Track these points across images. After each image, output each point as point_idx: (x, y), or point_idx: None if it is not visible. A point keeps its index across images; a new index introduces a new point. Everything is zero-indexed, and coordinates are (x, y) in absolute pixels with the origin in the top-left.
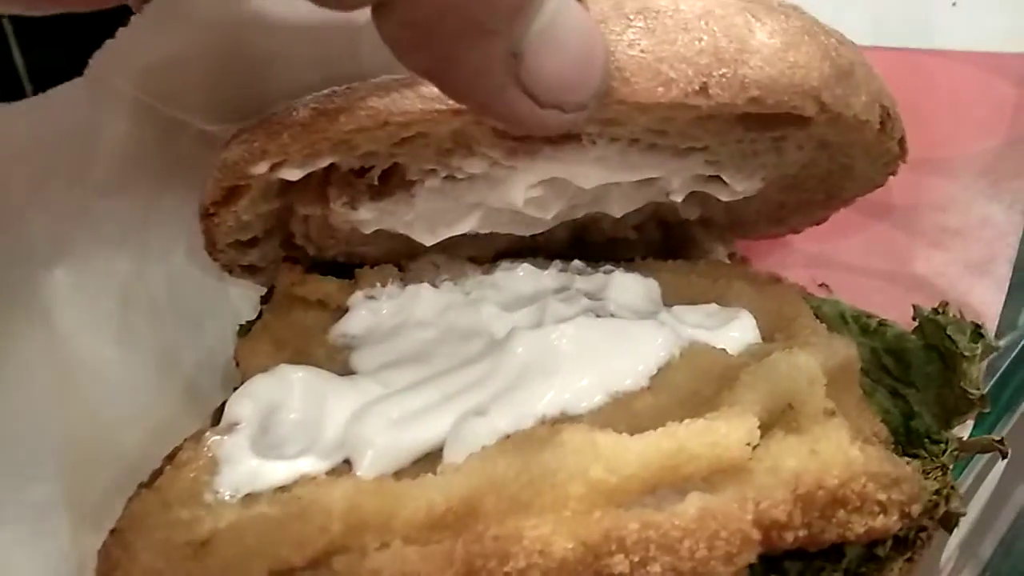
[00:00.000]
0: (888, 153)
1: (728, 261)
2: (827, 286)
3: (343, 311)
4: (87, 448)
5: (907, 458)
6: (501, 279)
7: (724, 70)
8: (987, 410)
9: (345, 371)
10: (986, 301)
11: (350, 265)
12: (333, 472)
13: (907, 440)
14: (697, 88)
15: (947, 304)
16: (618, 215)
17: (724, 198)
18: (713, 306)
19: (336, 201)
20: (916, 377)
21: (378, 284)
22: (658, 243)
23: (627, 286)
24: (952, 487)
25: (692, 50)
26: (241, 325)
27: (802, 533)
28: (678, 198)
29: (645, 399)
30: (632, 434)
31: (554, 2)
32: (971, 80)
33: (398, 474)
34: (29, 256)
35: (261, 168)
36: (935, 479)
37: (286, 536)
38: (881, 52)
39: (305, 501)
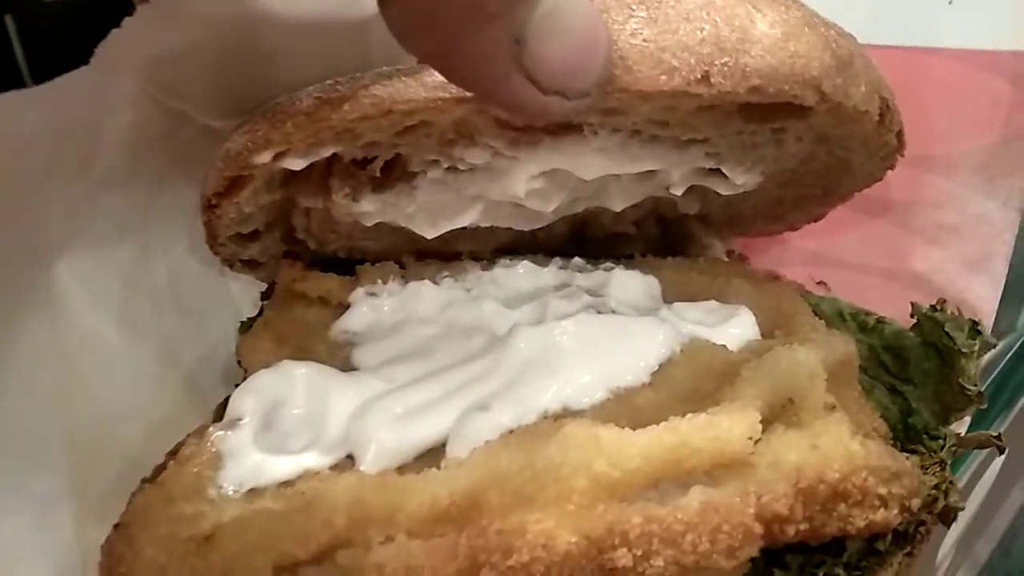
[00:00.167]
0: (886, 146)
1: (726, 259)
2: (825, 284)
3: (344, 307)
4: (90, 441)
5: (906, 454)
6: (502, 276)
7: (726, 59)
8: (984, 406)
9: (347, 367)
10: (982, 297)
11: (351, 261)
12: (336, 467)
13: (905, 436)
14: (699, 76)
15: (944, 301)
16: (618, 209)
17: (724, 192)
18: (713, 303)
19: (338, 193)
20: (914, 374)
21: (379, 281)
22: (657, 239)
23: (627, 283)
24: (951, 482)
25: (694, 39)
26: (242, 322)
27: (803, 527)
28: (678, 191)
29: (646, 395)
30: (634, 429)
31: None
32: (967, 77)
33: (401, 469)
34: (32, 249)
35: (264, 157)
36: (933, 474)
37: (290, 530)
38: (878, 49)
39: (309, 496)
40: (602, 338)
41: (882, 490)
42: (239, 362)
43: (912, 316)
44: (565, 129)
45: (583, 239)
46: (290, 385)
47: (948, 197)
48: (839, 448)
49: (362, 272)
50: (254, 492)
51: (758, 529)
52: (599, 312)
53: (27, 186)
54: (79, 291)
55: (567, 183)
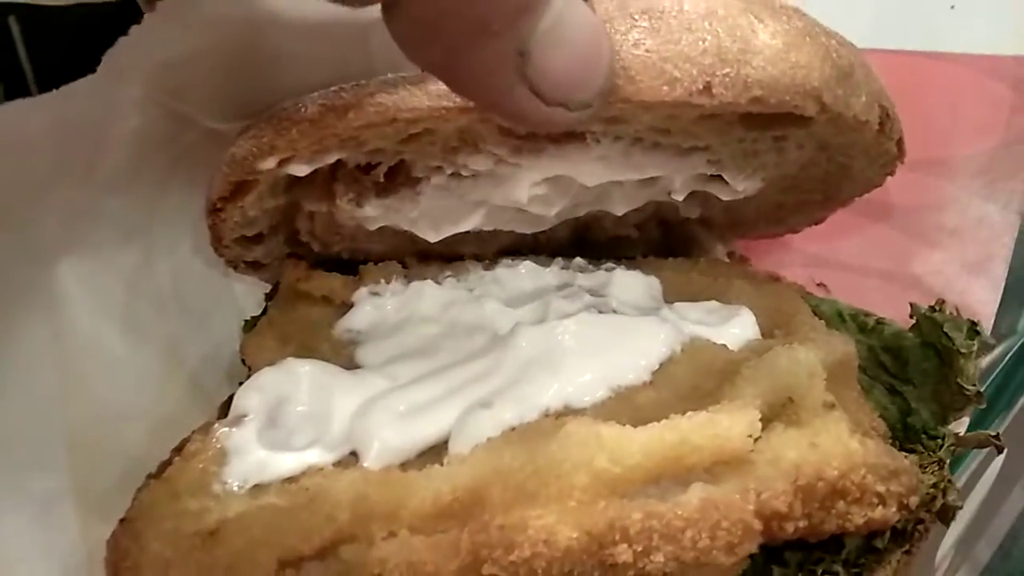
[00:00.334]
0: (886, 154)
1: (727, 260)
2: (825, 285)
3: (348, 307)
4: (93, 441)
5: (904, 453)
6: (504, 276)
7: (727, 70)
8: (983, 406)
9: (350, 366)
10: (982, 300)
11: (354, 262)
12: (340, 464)
13: (904, 436)
14: (701, 87)
15: (943, 302)
16: (620, 213)
17: (725, 197)
18: (714, 303)
19: (342, 198)
20: (913, 374)
21: (382, 280)
22: (658, 242)
23: (628, 283)
24: (949, 480)
25: (696, 50)
26: (246, 321)
27: (802, 524)
28: (679, 197)
29: (647, 393)
30: (635, 427)
31: (561, 1)
32: (968, 82)
33: (404, 466)
34: (37, 251)
35: (269, 163)
36: (932, 473)
37: (294, 526)
38: (880, 54)
39: (313, 492)
40: (603, 337)
41: (880, 488)
42: (243, 360)
43: (911, 317)
44: (568, 137)
45: (585, 241)
46: (294, 383)
47: (949, 200)
48: (838, 446)
49: (365, 272)
50: (258, 488)
51: (757, 526)
52: (600, 312)
53: (31, 190)
54: (82, 293)
55: (569, 189)
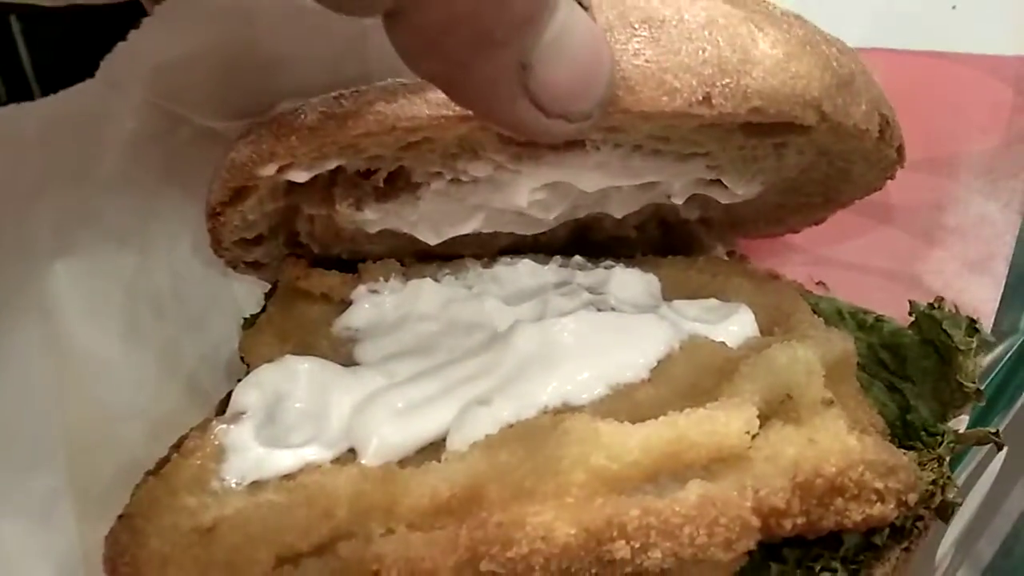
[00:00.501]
0: (886, 159)
1: (727, 258)
2: (824, 284)
3: (347, 305)
4: (91, 440)
5: (903, 450)
6: (502, 274)
7: (727, 80)
8: (982, 403)
9: (349, 363)
10: (983, 298)
11: (353, 260)
12: (338, 461)
13: (904, 433)
14: (700, 98)
15: (942, 299)
16: (619, 216)
17: (724, 201)
18: (712, 301)
19: (342, 202)
20: (912, 371)
21: (381, 278)
22: (658, 241)
23: (627, 281)
24: (948, 477)
25: (696, 60)
26: (245, 318)
27: (800, 521)
28: (679, 201)
29: (646, 390)
30: (633, 424)
31: (563, 13)
32: (970, 81)
33: (402, 463)
34: (34, 251)
35: (269, 170)
36: (931, 470)
37: (292, 522)
38: (881, 53)
39: (310, 488)
40: (602, 335)
41: (879, 484)
42: (242, 358)
43: (910, 314)
44: (567, 145)
45: (584, 241)
46: (293, 380)
47: (950, 199)
48: (836, 443)
49: (364, 270)
50: (256, 485)
51: (755, 522)
52: (599, 309)
53: (26, 192)
54: (78, 294)
55: (569, 194)
